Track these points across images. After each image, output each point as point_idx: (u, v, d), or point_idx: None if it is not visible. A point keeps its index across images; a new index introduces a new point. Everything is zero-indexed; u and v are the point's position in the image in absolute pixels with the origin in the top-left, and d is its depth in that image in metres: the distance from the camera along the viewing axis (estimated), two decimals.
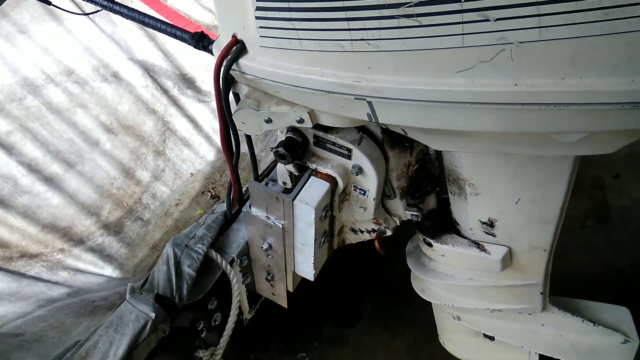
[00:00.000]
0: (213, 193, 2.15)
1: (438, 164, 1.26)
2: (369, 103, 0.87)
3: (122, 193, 2.05)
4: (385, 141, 1.16)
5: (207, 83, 2.33)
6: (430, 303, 1.67)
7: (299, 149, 1.15)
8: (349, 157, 1.14)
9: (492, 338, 1.70)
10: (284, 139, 1.16)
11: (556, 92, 0.71)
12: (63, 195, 1.96)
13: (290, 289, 1.47)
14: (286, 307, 1.56)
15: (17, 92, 2.03)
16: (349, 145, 1.11)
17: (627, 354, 1.45)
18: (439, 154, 1.23)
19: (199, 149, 2.26)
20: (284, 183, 1.35)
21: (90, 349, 1.01)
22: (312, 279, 1.38)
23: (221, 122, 1.13)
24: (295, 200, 1.13)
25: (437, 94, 0.78)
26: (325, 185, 1.15)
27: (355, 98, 0.85)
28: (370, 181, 1.16)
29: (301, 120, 1.03)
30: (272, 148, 1.17)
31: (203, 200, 2.13)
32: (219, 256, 1.29)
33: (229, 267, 1.29)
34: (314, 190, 1.14)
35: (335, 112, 0.96)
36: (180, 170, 2.20)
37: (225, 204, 1.41)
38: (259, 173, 1.54)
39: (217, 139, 2.34)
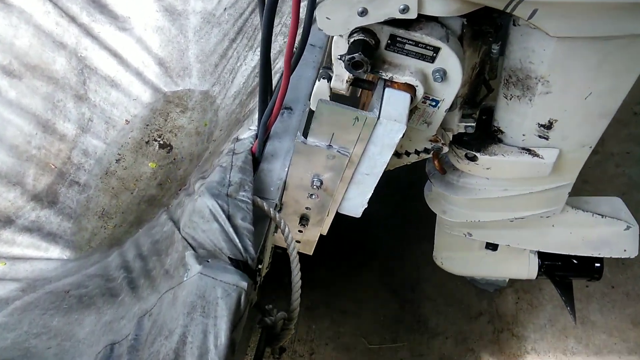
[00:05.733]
0: (161, 142, 1.78)
1: (497, 66, 1.14)
2: None
3: (46, 153, 1.59)
4: (466, 37, 0.99)
5: (123, 5, 1.86)
6: None
7: (372, 53, 0.92)
8: (432, 60, 0.95)
9: (494, 248, 1.71)
10: (347, 44, 0.92)
11: None
12: None
13: (325, 232, 1.27)
14: (311, 254, 1.37)
15: None
16: (438, 43, 0.92)
17: (632, 238, 1.55)
18: (502, 53, 1.10)
19: (130, 90, 1.84)
20: None
21: (178, 348, 0.73)
22: (359, 215, 1.20)
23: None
24: (381, 118, 0.92)
25: None
26: (406, 97, 0.96)
27: None
28: (450, 88, 1.00)
29: (406, 9, 0.81)
30: (340, 56, 0.93)
31: (150, 152, 1.76)
32: (265, 203, 1.03)
33: (277, 215, 1.04)
34: (397, 103, 0.94)
35: None
36: (111, 117, 1.77)
37: (245, 140, 1.14)
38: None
39: (150, 74, 1.92)
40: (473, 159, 1.28)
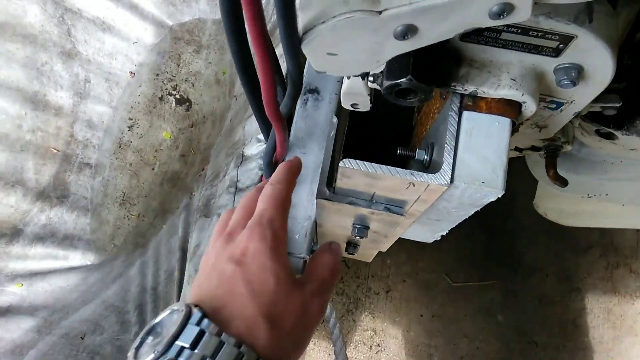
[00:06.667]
0: (177, 96, 1.43)
1: None
2: None
3: (42, 135, 1.32)
4: None
5: None
6: None
7: (436, 62, 0.48)
8: (556, 52, 0.49)
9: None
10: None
11: None
12: None
13: (384, 250, 0.94)
14: (370, 261, 1.06)
15: None
16: (569, 29, 0.45)
17: None
18: None
19: (127, 31, 1.44)
20: (354, 105, 0.70)
21: None
22: (430, 241, 0.84)
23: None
24: (456, 182, 0.51)
25: None
26: (504, 127, 0.52)
27: None
28: (587, 89, 0.54)
29: (506, 10, 0.35)
30: (373, 77, 0.50)
31: (166, 111, 1.42)
32: None
33: None
34: (486, 144, 0.52)
35: None
36: (111, 72, 1.42)
37: (252, 162, 0.77)
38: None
39: (147, 4, 1.51)
40: (608, 136, 0.82)
